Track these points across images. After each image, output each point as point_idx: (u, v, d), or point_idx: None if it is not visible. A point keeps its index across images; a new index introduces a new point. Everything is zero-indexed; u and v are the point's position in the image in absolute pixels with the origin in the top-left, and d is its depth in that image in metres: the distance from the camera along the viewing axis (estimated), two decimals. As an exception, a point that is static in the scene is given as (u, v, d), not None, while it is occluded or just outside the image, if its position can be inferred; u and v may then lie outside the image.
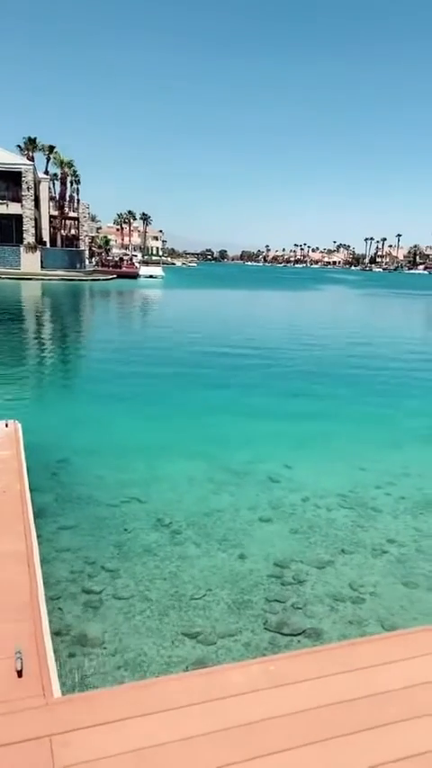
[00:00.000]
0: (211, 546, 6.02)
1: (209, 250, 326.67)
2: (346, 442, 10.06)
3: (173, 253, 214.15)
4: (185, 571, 5.50)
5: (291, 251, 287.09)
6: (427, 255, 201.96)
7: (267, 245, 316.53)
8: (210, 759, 2.39)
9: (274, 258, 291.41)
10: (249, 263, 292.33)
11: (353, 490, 7.68)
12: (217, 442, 9.67)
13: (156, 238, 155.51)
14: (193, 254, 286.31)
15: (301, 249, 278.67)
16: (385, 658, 3.08)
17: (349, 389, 14.50)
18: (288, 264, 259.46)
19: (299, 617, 4.87)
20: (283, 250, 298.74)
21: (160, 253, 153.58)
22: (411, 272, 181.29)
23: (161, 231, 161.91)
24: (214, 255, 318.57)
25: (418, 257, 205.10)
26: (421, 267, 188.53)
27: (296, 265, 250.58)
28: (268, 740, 2.50)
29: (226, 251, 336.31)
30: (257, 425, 10.83)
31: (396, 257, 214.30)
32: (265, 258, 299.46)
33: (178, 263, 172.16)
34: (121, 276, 67.38)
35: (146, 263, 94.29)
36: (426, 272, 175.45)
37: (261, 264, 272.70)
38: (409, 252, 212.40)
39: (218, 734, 2.57)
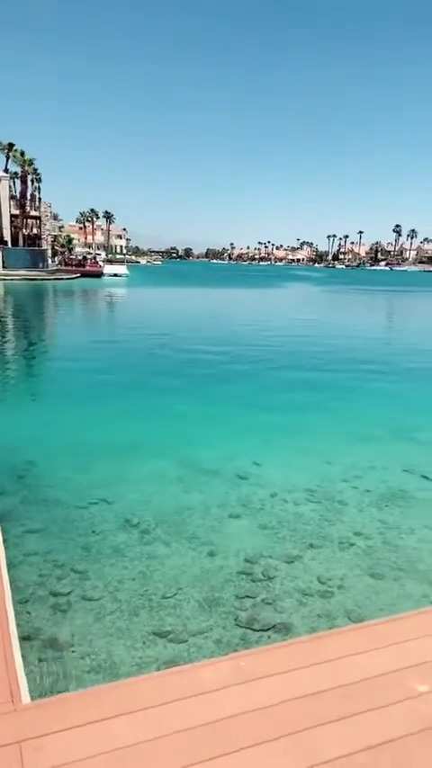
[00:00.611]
0: (181, 544, 6.03)
1: (174, 248, 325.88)
2: (313, 436, 10.17)
3: (137, 251, 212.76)
4: (155, 570, 5.49)
5: (255, 249, 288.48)
6: (389, 252, 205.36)
7: (232, 243, 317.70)
8: (183, 757, 2.40)
9: (239, 256, 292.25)
10: (214, 260, 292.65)
11: (320, 484, 7.78)
12: (185, 440, 9.67)
13: (119, 237, 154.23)
14: (157, 252, 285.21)
15: (266, 247, 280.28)
16: (352, 650, 3.13)
17: (315, 385, 14.66)
18: (253, 262, 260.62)
19: (269, 612, 4.92)
20: (248, 248, 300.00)
21: (124, 251, 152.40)
22: (373, 268, 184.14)
23: (125, 229, 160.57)
24: (179, 253, 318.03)
25: (379, 254, 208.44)
26: (383, 263, 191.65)
27: (261, 263, 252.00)
28: (240, 735, 2.52)
29: (191, 249, 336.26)
30: (225, 423, 10.87)
31: (358, 254, 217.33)
32: (230, 256, 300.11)
33: (143, 261, 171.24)
34: (85, 275, 66.71)
35: (110, 261, 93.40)
36: (387, 268, 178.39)
37: (226, 262, 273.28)
38: (371, 248, 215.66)
39: (190, 732, 2.57)
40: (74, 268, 68.62)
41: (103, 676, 4.00)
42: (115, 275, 73.21)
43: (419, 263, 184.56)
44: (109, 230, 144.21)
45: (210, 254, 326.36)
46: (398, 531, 6.52)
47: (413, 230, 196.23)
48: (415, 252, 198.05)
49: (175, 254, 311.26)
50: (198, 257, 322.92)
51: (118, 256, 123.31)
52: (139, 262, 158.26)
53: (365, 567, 5.72)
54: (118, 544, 5.97)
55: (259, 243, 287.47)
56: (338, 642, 3.22)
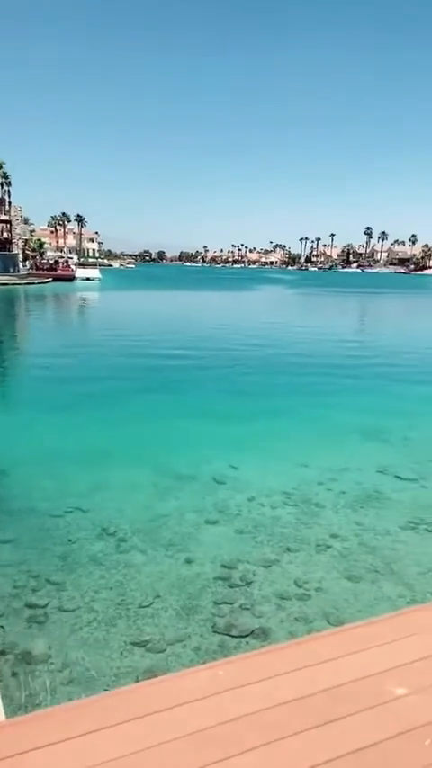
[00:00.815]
0: (158, 552, 5.99)
1: (147, 251, 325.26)
2: (289, 440, 10.22)
3: (110, 254, 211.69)
4: (132, 579, 5.45)
5: (229, 251, 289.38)
6: (360, 254, 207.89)
7: (205, 246, 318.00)
8: (162, 771, 2.37)
9: (213, 259, 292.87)
10: (188, 263, 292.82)
11: (296, 487, 7.81)
12: (160, 446, 9.63)
13: (92, 240, 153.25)
14: (130, 255, 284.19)
15: (239, 250, 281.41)
16: (331, 655, 3.14)
17: (289, 389, 14.75)
18: (226, 265, 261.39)
19: (247, 618, 4.91)
20: (221, 251, 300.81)
21: (97, 255, 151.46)
22: (345, 270, 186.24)
23: (97, 233, 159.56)
24: (152, 257, 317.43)
25: (351, 256, 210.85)
26: (355, 265, 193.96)
27: (234, 266, 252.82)
28: (222, 745, 2.50)
29: (164, 252, 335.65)
30: (200, 428, 10.85)
31: (330, 256, 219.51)
32: (203, 259, 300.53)
33: (116, 264, 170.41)
34: (57, 279, 66.07)
35: (82, 265, 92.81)
36: (359, 270, 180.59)
37: (200, 265, 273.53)
38: (343, 251, 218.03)
39: (171, 743, 2.55)
40: (46, 272, 67.92)
41: (81, 689, 3.95)
42: (88, 279, 72.71)
43: (390, 264, 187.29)
44: (81, 234, 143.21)
45: (183, 256, 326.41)
46: (373, 532, 6.58)
47: (384, 232, 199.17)
48: (386, 254, 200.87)
49: (148, 258, 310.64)
50: (171, 260, 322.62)
51: (90, 260, 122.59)
52: (111, 265, 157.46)
53: (342, 569, 5.76)
54: (94, 553, 5.91)
55: (233, 246, 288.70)
56: (317, 647, 3.23)
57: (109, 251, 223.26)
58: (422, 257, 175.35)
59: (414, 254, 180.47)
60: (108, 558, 5.84)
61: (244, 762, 2.43)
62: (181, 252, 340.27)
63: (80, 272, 75.46)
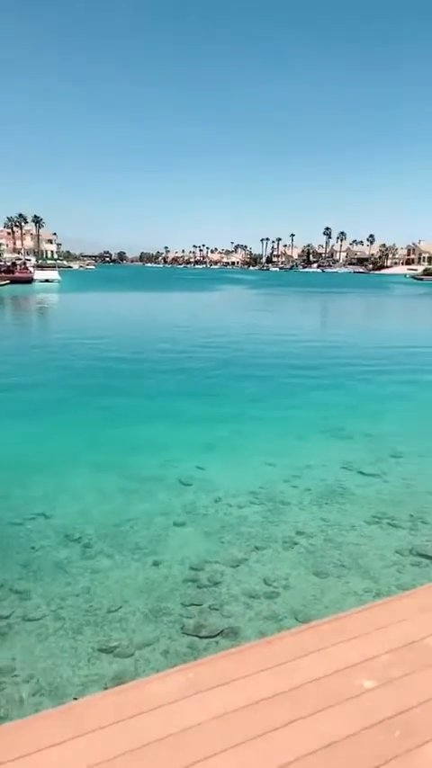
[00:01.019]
0: (125, 556, 5.93)
1: (107, 252, 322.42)
2: (253, 439, 10.27)
3: (69, 256, 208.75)
4: (99, 585, 5.38)
5: (190, 252, 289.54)
6: (320, 254, 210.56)
7: (166, 247, 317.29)
8: (134, 778, 2.34)
9: (174, 259, 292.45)
10: (149, 264, 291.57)
11: (262, 486, 7.85)
12: (124, 449, 9.54)
13: (50, 241, 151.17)
14: (90, 256, 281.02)
15: (200, 250, 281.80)
16: (299, 652, 3.16)
17: (253, 389, 14.81)
18: (188, 265, 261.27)
19: (216, 618, 4.91)
20: (183, 251, 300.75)
21: (55, 256, 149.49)
22: (306, 270, 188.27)
23: (55, 234, 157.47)
24: (112, 257, 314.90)
25: (311, 256, 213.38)
26: (315, 265, 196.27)
27: (196, 266, 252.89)
28: (194, 748, 2.49)
29: (124, 253, 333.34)
30: (165, 430, 10.79)
31: (291, 256, 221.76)
32: (164, 259, 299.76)
33: (75, 266, 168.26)
34: (15, 281, 64.95)
35: (41, 267, 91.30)
36: (319, 270, 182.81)
37: (161, 266, 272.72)
38: (303, 251, 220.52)
39: (143, 749, 2.52)
40: (2, 275, 66.66)
41: (48, 700, 3.87)
42: (46, 281, 71.65)
43: (349, 264, 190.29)
44: (38, 235, 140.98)
45: (144, 257, 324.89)
46: (339, 527, 6.66)
47: (342, 233, 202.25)
48: (344, 254, 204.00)
49: (108, 259, 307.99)
50: (132, 261, 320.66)
51: (49, 261, 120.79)
52: (71, 267, 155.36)
53: (309, 565, 5.81)
54: (59, 560, 5.81)
55: (194, 246, 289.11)
56: (286, 645, 3.24)
57: (68, 252, 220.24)
58: (380, 257, 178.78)
59: (372, 254, 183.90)
60: (73, 564, 5.75)
61: (216, 763, 2.42)
62: (142, 252, 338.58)
63: (38, 274, 74.28)
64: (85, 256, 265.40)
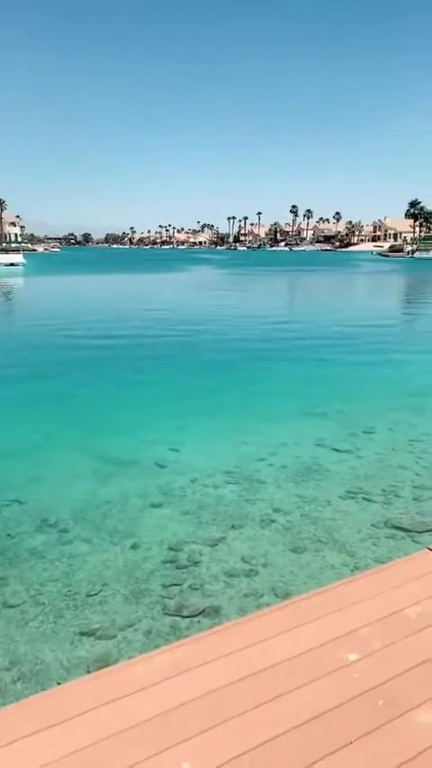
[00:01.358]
0: (103, 540, 5.90)
1: (72, 234, 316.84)
2: (227, 419, 10.28)
3: (33, 239, 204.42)
4: (78, 569, 5.34)
5: (156, 232, 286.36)
6: (287, 232, 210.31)
7: (132, 227, 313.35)
8: (125, 757, 2.34)
9: (140, 240, 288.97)
10: (115, 245, 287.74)
11: (238, 465, 7.88)
12: (99, 433, 9.46)
13: (13, 224, 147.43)
14: (54, 238, 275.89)
15: (167, 230, 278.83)
16: (282, 628, 3.19)
17: (223, 368, 14.81)
18: (155, 246, 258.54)
19: (197, 597, 4.93)
20: (149, 232, 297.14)
21: (19, 239, 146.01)
22: (274, 249, 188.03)
23: (18, 217, 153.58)
24: (78, 239, 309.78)
25: (278, 234, 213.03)
26: (282, 244, 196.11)
27: (163, 246, 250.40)
28: (182, 727, 2.50)
29: (90, 234, 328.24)
30: (137, 413, 10.74)
31: (258, 235, 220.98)
32: (130, 240, 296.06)
33: (40, 248, 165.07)
34: (-22, 266, 63.34)
35: (4, 250, 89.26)
36: (287, 248, 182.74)
37: (127, 247, 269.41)
38: (270, 229, 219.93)
39: (131, 730, 2.52)
40: (-35, 259, 64.99)
41: (31, 687, 3.85)
42: (11, 265, 70.14)
43: (317, 242, 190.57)
44: (1, 218, 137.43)
45: (110, 238, 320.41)
46: (315, 503, 6.74)
47: (309, 210, 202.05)
48: (311, 231, 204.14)
49: (73, 241, 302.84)
50: (98, 243, 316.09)
51: (13, 245, 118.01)
52: (35, 250, 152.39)
53: (287, 542, 5.86)
54: (36, 546, 5.75)
55: (160, 226, 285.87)
56: (268, 622, 3.27)
57: (32, 235, 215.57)
58: (346, 234, 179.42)
59: (339, 232, 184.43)
60: (51, 549, 5.70)
61: (206, 741, 2.43)
62: (107, 234, 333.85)
63: (1, 258, 72.66)
64: (50, 239, 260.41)
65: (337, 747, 2.36)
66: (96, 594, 4.95)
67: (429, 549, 3.87)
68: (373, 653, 2.93)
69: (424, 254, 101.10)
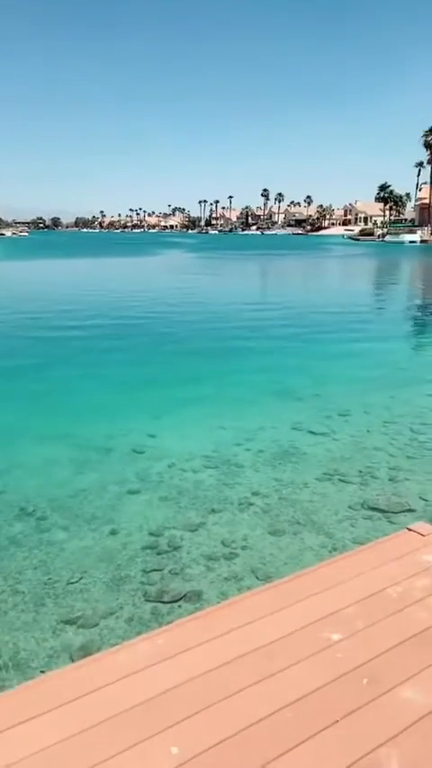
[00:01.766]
0: (81, 527, 5.86)
1: (40, 218, 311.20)
2: (203, 405, 10.26)
3: (0, 223, 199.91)
4: (57, 557, 5.30)
5: (127, 216, 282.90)
6: (259, 216, 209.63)
7: (102, 211, 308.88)
8: (111, 745, 2.34)
9: (111, 224, 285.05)
10: (85, 229, 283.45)
11: (215, 450, 7.88)
12: (74, 419, 9.36)
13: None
14: (23, 222, 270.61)
15: (137, 214, 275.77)
16: (264, 611, 3.21)
17: (200, 354, 14.77)
18: (125, 230, 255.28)
19: (177, 583, 4.94)
20: (119, 215, 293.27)
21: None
22: (245, 232, 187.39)
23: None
24: (47, 223, 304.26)
25: (250, 218, 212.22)
26: (254, 228, 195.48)
27: (134, 230, 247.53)
28: (168, 713, 2.50)
29: (59, 218, 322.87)
30: (113, 399, 10.65)
31: (230, 219, 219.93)
32: (101, 224, 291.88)
33: (8, 233, 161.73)
34: None
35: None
36: (258, 232, 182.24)
37: (98, 231, 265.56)
38: (242, 213, 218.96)
39: (117, 718, 2.51)
40: None
41: (13, 677, 3.81)
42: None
43: (288, 226, 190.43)
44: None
45: (80, 222, 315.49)
46: (292, 486, 6.79)
47: (280, 194, 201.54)
48: (283, 215, 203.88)
49: (42, 225, 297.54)
50: (67, 227, 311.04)
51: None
52: (3, 234, 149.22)
53: (266, 525, 5.90)
54: (14, 535, 5.68)
55: (131, 210, 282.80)
56: (251, 605, 3.29)
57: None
58: (317, 218, 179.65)
59: (310, 215, 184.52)
60: (29, 538, 5.64)
61: (193, 726, 2.44)
62: (77, 218, 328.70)
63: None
64: (18, 223, 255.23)
65: (325, 726, 2.39)
66: (77, 582, 4.92)
67: (409, 528, 3.93)
68: (356, 633, 2.97)
69: (394, 238, 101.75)
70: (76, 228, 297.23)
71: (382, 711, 2.46)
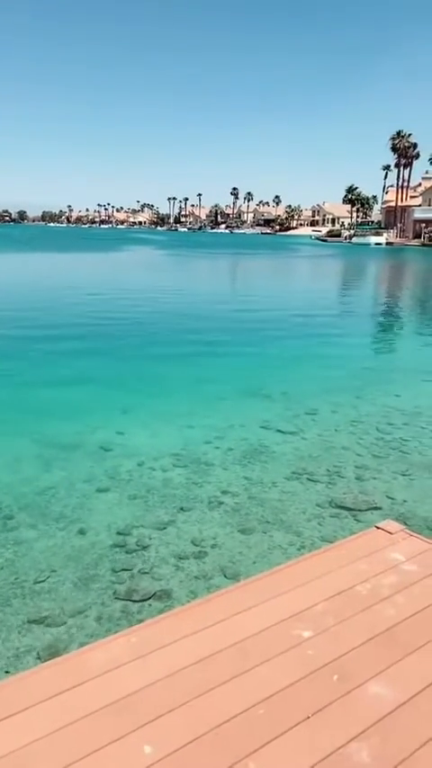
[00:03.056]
0: (49, 526, 5.79)
1: (6, 211, 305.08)
2: (171, 402, 10.24)
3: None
4: (24, 556, 5.23)
5: (95, 211, 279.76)
6: (228, 215, 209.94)
7: (70, 206, 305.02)
8: (86, 743, 2.33)
9: (78, 219, 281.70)
10: (52, 224, 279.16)
11: (184, 448, 7.88)
12: (40, 417, 9.24)
13: None
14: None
15: (105, 209, 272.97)
16: (237, 609, 3.23)
17: (168, 352, 14.74)
18: (93, 225, 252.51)
19: (147, 581, 4.92)
20: (87, 210, 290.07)
21: None
22: (215, 231, 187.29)
23: None
24: (12, 217, 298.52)
25: (219, 216, 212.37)
26: (223, 226, 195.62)
27: (102, 226, 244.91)
28: (142, 711, 2.50)
29: (25, 212, 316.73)
30: (80, 396, 10.55)
31: (199, 217, 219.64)
32: (68, 219, 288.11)
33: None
34: None
35: None
36: (227, 230, 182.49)
37: (65, 225, 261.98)
38: (211, 211, 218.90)
39: (85, 720, 2.50)
40: None
41: (-19, 677, 3.75)
42: None
43: (257, 225, 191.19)
44: None
45: (46, 216, 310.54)
46: (261, 485, 6.84)
47: (249, 193, 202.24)
48: (252, 214, 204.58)
49: (7, 218, 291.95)
50: (34, 221, 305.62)
51: None
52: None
53: (235, 523, 5.93)
54: (-21, 533, 5.58)
55: (99, 205, 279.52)
56: (223, 603, 3.31)
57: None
58: (286, 218, 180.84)
59: (279, 215, 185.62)
60: (-5, 537, 5.54)
61: (167, 723, 2.44)
62: (44, 212, 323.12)
63: None
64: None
65: (297, 722, 2.42)
66: (44, 581, 4.86)
67: (377, 527, 4.01)
68: (326, 630, 3.01)
69: (361, 240, 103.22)
70: (43, 222, 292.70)
71: (352, 706, 2.51)
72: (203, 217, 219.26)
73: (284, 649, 2.86)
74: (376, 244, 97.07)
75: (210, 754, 2.29)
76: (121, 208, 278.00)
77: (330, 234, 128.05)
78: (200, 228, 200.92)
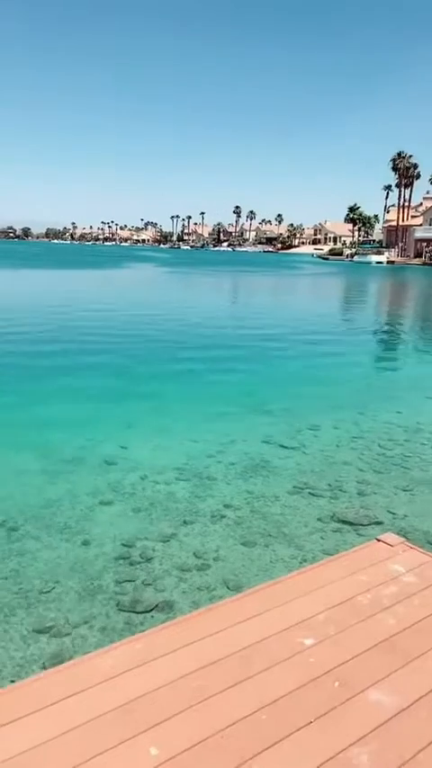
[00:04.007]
0: (53, 537, 5.84)
1: (10, 227, 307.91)
2: (175, 417, 10.32)
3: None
4: (29, 567, 5.28)
5: (99, 228, 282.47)
6: (230, 233, 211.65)
7: (74, 223, 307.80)
8: (90, 747, 2.38)
9: (82, 236, 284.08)
10: (56, 240, 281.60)
11: (187, 462, 7.95)
12: (45, 431, 9.31)
13: None
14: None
15: (109, 227, 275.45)
16: (240, 617, 3.29)
17: (172, 367, 14.85)
18: (97, 242, 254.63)
19: (150, 593, 4.97)
20: (91, 227, 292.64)
21: None
22: (217, 249, 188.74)
23: None
24: (17, 233, 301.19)
25: (221, 234, 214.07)
26: (225, 244, 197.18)
27: (105, 243, 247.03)
28: (146, 716, 2.55)
29: (29, 228, 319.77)
30: (86, 409, 10.63)
31: (201, 234, 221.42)
32: (72, 236, 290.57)
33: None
34: None
35: None
36: (230, 248, 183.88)
37: (68, 242, 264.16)
38: (214, 229, 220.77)
39: (91, 723, 2.55)
40: None
41: (-13, 684, 3.79)
42: None
43: (259, 243, 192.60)
44: None
45: (50, 233, 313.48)
46: (263, 499, 6.89)
47: (252, 212, 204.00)
48: (254, 233, 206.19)
49: (12, 234, 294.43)
50: (38, 237, 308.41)
51: None
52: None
53: (237, 536, 5.98)
54: (-16, 545, 5.64)
55: (102, 222, 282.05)
56: (227, 611, 3.37)
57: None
58: (288, 236, 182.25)
59: (280, 234, 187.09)
60: (0, 548, 5.60)
61: (170, 728, 2.50)
62: (48, 228, 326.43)
63: None
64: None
65: (298, 727, 2.47)
66: (49, 592, 4.91)
67: (378, 539, 4.07)
68: (328, 638, 3.07)
69: (362, 258, 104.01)
70: (47, 239, 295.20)
71: (353, 712, 2.56)
72: (206, 235, 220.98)
73: (287, 657, 2.92)
74: (377, 262, 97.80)
75: (214, 756, 2.34)
76: (125, 225, 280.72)
77: (332, 252, 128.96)
78: (202, 246, 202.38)
